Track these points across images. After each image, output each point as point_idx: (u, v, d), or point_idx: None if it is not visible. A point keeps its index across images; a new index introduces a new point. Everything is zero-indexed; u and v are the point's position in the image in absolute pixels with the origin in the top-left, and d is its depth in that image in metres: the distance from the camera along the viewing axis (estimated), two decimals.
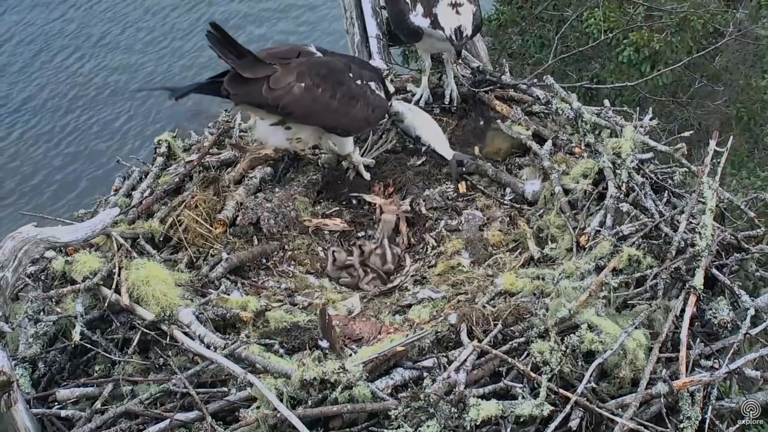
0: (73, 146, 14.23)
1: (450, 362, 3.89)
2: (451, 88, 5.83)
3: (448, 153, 5.44)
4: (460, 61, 6.06)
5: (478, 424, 3.61)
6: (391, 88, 5.65)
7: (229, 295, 4.56)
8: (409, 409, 3.61)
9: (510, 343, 4.00)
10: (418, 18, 5.44)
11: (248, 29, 15.55)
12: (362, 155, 5.57)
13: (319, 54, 5.12)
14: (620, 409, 3.76)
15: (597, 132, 5.31)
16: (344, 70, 5.11)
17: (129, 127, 14.31)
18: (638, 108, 5.74)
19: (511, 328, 4.10)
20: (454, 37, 5.28)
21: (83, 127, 14.52)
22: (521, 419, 3.68)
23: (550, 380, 3.75)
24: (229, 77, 4.75)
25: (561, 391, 3.75)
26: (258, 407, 3.74)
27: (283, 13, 16.08)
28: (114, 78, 15.36)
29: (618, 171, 4.86)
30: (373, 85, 5.22)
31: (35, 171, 13.86)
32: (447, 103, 5.83)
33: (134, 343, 4.23)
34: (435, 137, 5.51)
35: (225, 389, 3.93)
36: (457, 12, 5.28)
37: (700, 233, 4.34)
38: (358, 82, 5.13)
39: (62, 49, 16.11)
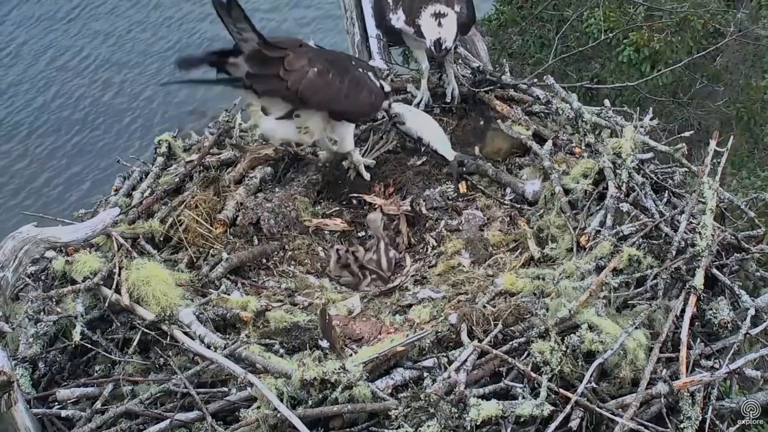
0: (81, 150, 14.27)
1: (450, 362, 3.89)
2: (453, 86, 5.82)
3: (449, 154, 5.44)
4: (459, 60, 6.06)
5: (478, 424, 3.61)
6: (387, 87, 5.64)
7: (229, 295, 4.55)
8: (409, 409, 3.61)
9: (510, 343, 4.00)
10: (399, 22, 5.46)
11: None
12: (362, 156, 5.57)
13: (315, 46, 5.15)
14: (620, 409, 3.76)
15: (597, 132, 5.31)
16: (347, 59, 5.22)
17: (138, 132, 14.32)
18: (638, 108, 5.74)
19: (512, 328, 4.10)
20: (433, 49, 5.31)
21: (92, 131, 14.56)
22: (521, 419, 3.68)
23: (550, 380, 3.75)
24: (250, 54, 4.70)
25: (561, 391, 3.74)
26: (258, 407, 3.74)
27: (286, 26, 16.09)
28: (122, 83, 15.39)
29: (618, 171, 4.85)
30: (371, 74, 5.29)
31: (44, 175, 13.90)
32: (448, 101, 5.82)
33: (134, 343, 4.23)
34: (437, 138, 5.50)
35: (225, 389, 3.93)
36: (440, 24, 5.29)
37: (700, 233, 4.33)
38: (360, 70, 5.21)
39: (73, 52, 16.14)
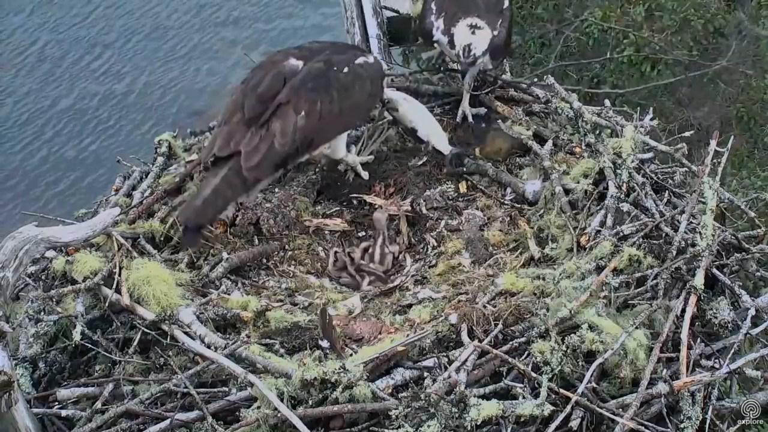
0: (85, 150, 14.28)
1: (450, 362, 3.89)
2: (463, 109, 5.78)
3: (445, 147, 5.42)
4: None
5: (478, 424, 3.61)
6: (384, 66, 5.59)
7: (229, 295, 4.56)
8: (409, 409, 3.61)
9: (510, 343, 3.99)
10: (437, 32, 5.48)
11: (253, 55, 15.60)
12: (358, 153, 5.56)
13: (298, 62, 5.02)
14: (621, 409, 3.76)
15: (597, 132, 5.31)
16: (326, 69, 4.99)
17: (144, 134, 14.34)
18: (638, 108, 5.74)
19: (512, 328, 4.10)
20: (461, 54, 5.30)
21: (100, 133, 14.57)
22: (522, 419, 3.67)
23: (550, 380, 3.74)
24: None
25: (561, 391, 3.74)
26: (258, 407, 3.74)
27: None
28: (127, 89, 15.40)
29: (618, 171, 4.86)
30: (360, 60, 5.14)
31: (57, 176, 13.93)
32: (459, 121, 5.80)
33: (135, 342, 4.23)
34: (432, 130, 5.45)
35: (225, 389, 3.93)
36: (473, 33, 5.30)
37: (700, 233, 4.34)
38: (345, 70, 5.04)
39: (81, 55, 16.14)
